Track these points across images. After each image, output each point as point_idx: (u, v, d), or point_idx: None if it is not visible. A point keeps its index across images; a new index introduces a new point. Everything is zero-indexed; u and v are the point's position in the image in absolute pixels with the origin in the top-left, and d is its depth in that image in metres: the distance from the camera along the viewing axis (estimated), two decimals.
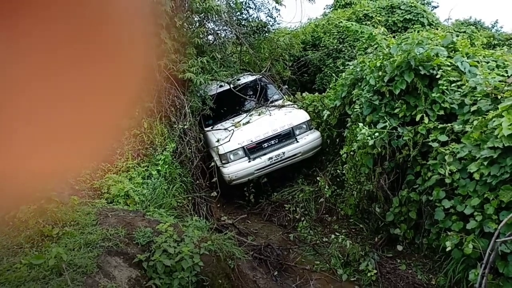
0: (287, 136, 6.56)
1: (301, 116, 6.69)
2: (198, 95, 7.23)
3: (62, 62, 0.52)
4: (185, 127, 6.28)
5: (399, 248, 4.57)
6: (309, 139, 6.58)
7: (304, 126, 6.64)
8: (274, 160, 6.46)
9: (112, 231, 3.22)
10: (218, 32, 8.28)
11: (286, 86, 8.68)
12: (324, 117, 6.19)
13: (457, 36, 8.88)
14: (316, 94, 7.40)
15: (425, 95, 4.29)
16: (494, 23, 12.46)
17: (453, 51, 4.68)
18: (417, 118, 4.23)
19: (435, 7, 13.48)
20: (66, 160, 0.62)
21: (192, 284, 3.22)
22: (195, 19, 7.81)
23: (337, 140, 6.28)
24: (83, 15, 0.52)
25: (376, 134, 4.21)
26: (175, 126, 6.29)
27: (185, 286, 3.17)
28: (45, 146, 0.55)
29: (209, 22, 7.98)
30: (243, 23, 9.30)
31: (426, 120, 4.17)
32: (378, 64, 4.78)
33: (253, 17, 9.30)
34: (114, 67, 0.62)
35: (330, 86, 6.48)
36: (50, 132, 0.55)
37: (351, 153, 5.07)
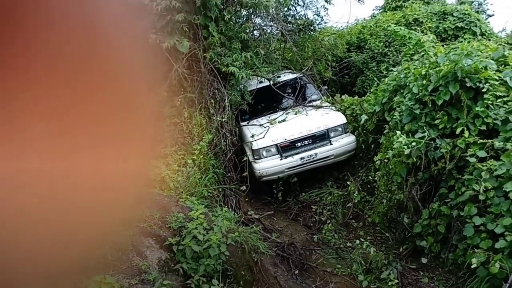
0: (322, 137, 6.60)
1: (338, 118, 6.70)
2: (238, 89, 7.40)
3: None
4: (223, 120, 6.49)
5: (424, 260, 4.54)
6: (343, 142, 6.58)
7: (340, 129, 6.65)
8: (306, 160, 6.53)
9: (147, 213, 3.46)
10: (264, 27, 8.42)
11: (326, 87, 8.69)
12: (362, 122, 6.19)
13: (510, 49, 8.52)
14: (356, 97, 7.38)
15: (468, 108, 4.22)
16: None
17: (503, 65, 4.56)
18: (457, 131, 4.18)
19: (490, 16, 12.89)
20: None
21: (217, 272, 3.40)
22: (243, 13, 8.00)
23: (372, 146, 6.26)
24: None
25: (413, 143, 4.20)
26: (213, 118, 6.51)
27: (209, 273, 3.36)
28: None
29: (256, 17, 8.14)
30: (289, 20, 9.38)
31: (466, 133, 4.11)
32: (423, 72, 4.74)
33: (300, 14, 9.35)
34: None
35: (371, 90, 6.46)
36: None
37: (385, 160, 5.06)
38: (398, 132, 4.34)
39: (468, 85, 4.21)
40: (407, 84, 4.90)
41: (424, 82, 4.52)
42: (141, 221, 3.29)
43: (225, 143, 6.53)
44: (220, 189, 5.98)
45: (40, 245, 0.54)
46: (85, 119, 0.52)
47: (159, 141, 5.58)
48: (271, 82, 7.74)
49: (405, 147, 4.16)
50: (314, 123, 6.70)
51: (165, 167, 5.37)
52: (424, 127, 4.33)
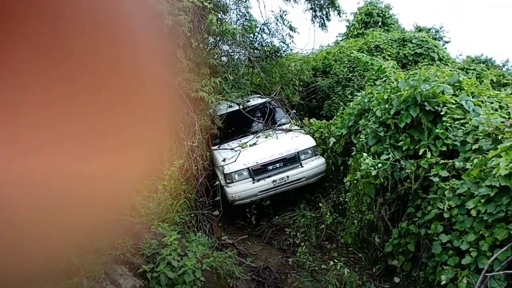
0: (292, 160, 6.77)
1: (307, 141, 6.92)
2: (208, 114, 7.51)
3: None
4: (194, 144, 6.53)
5: (396, 280, 4.69)
6: (313, 165, 6.78)
7: (310, 151, 6.85)
8: (278, 183, 6.66)
9: (119, 240, 3.41)
10: (232, 54, 8.66)
11: (294, 111, 8.96)
12: (330, 144, 6.42)
13: (467, 72, 9.17)
14: (324, 121, 7.65)
15: (429, 130, 4.51)
16: (505, 62, 12.79)
17: (458, 90, 4.93)
18: (420, 152, 4.43)
19: (447, 42, 13.89)
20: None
21: None
22: (211, 40, 8.21)
23: (342, 168, 6.49)
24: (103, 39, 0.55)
25: (380, 165, 4.42)
26: (184, 142, 6.53)
27: None
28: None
29: (223, 44, 8.38)
30: (256, 47, 9.70)
31: (428, 154, 4.37)
32: (385, 97, 5.03)
33: (267, 41, 9.69)
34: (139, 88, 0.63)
35: (338, 114, 6.75)
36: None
37: (354, 181, 5.26)
38: (365, 154, 4.55)
39: (427, 108, 4.52)
40: (371, 108, 5.18)
41: (387, 106, 4.81)
42: (113, 248, 3.24)
43: (196, 167, 6.55)
44: (192, 215, 5.98)
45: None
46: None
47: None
48: (241, 107, 7.92)
49: (372, 168, 4.37)
50: (284, 146, 6.88)
51: (135, 194, 5.32)
52: (389, 149, 4.57)
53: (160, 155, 6.07)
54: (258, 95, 8.93)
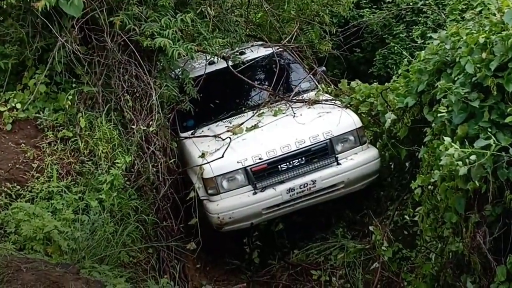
0: (322, 153, 6.84)
1: (347, 120, 6.97)
2: (173, 76, 7.54)
3: None
4: (150, 130, 6.56)
5: None
6: (358, 161, 6.85)
7: (352, 137, 6.92)
8: (298, 193, 6.71)
9: None
10: None
11: (324, 68, 9.01)
12: (387, 125, 6.42)
13: None
14: (375, 84, 7.66)
15: None
16: None
17: None
18: None
19: None
20: None
21: None
22: None
23: (407, 164, 6.51)
24: None
25: (473, 157, 4.43)
26: (132, 127, 6.59)
27: None
28: None
29: None
30: None
31: None
32: (481, 40, 5.03)
33: None
34: None
35: (399, 71, 6.75)
36: None
37: (430, 187, 5.29)
38: (447, 139, 4.56)
39: None
40: (457, 59, 5.17)
41: (484, 55, 4.78)
42: None
43: (154, 169, 6.62)
44: (151, 250, 6.03)
45: None
46: None
47: (36, 171, 5.50)
48: (230, 63, 7.93)
49: (460, 163, 4.38)
50: (307, 129, 6.95)
51: (51, 216, 5.39)
52: (489, 130, 4.57)
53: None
54: (260, 43, 8.97)
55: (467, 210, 4.85)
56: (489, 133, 4.57)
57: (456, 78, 5.16)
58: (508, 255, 4.70)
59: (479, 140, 4.58)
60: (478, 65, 4.90)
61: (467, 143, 4.70)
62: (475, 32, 5.37)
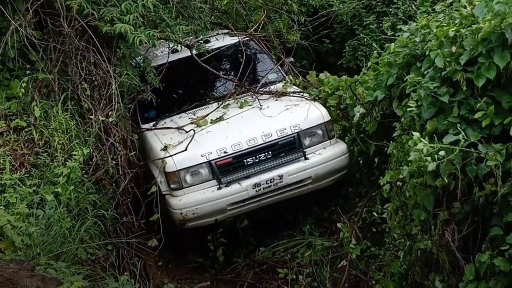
0: (289, 147, 6.92)
1: (315, 114, 7.06)
2: (134, 64, 7.52)
3: None
4: (109, 120, 6.56)
5: None
6: (327, 156, 6.94)
7: (320, 131, 7.02)
8: (264, 188, 6.79)
9: None
10: None
11: (292, 59, 9.05)
12: (356, 119, 6.51)
13: None
14: (344, 76, 7.72)
15: None
16: None
17: None
18: None
19: None
20: None
21: None
22: None
23: (376, 159, 6.63)
24: None
25: (442, 152, 4.54)
26: (90, 117, 6.58)
27: None
28: None
29: None
30: None
31: None
32: (451, 34, 5.14)
33: None
34: None
35: (368, 64, 6.84)
36: None
37: (398, 183, 5.40)
38: (416, 134, 4.66)
39: None
40: (427, 53, 5.28)
41: (454, 49, 4.89)
42: None
43: (114, 162, 6.63)
44: (110, 246, 6.05)
45: None
46: None
47: None
48: (194, 52, 7.95)
49: (429, 158, 4.49)
50: (274, 122, 7.02)
51: (3, 210, 5.36)
52: (458, 125, 4.69)
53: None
54: (226, 31, 9.01)
55: (435, 207, 4.96)
56: (458, 129, 4.68)
57: (425, 72, 5.26)
58: (476, 253, 4.83)
59: (448, 136, 4.68)
60: (447, 59, 5.00)
61: (436, 138, 4.80)
62: (445, 25, 5.48)
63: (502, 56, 4.68)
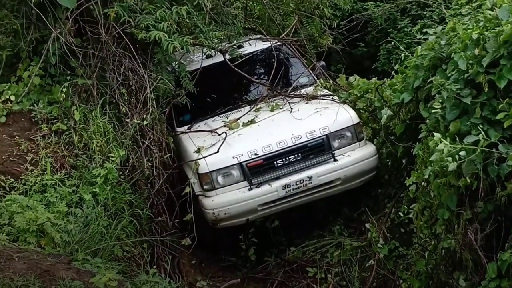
0: (319, 149, 7.02)
1: (344, 116, 7.14)
2: (170, 70, 7.71)
3: None
4: (145, 123, 6.76)
5: None
6: (356, 157, 7.02)
7: (349, 133, 7.10)
8: (294, 189, 6.90)
9: (19, 282, 3.66)
10: None
11: (323, 63, 9.12)
12: (383, 121, 6.58)
13: None
14: (373, 79, 7.75)
15: None
16: None
17: None
18: None
19: None
20: None
21: None
22: None
23: (404, 161, 6.67)
24: None
25: (462, 153, 4.60)
26: (127, 120, 6.78)
27: None
28: None
29: None
30: None
31: None
32: (474, 36, 5.19)
33: None
34: None
35: (397, 67, 6.87)
36: None
37: (423, 184, 5.47)
38: (437, 135, 4.72)
39: None
40: (452, 55, 5.35)
41: (477, 51, 4.94)
42: None
43: (149, 164, 6.80)
44: (144, 245, 6.22)
45: None
46: None
47: (30, 163, 5.68)
48: (228, 57, 8.10)
49: (450, 159, 4.56)
50: (304, 125, 7.12)
51: (44, 209, 5.58)
52: (481, 126, 4.74)
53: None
54: (259, 36, 9.11)
55: (459, 206, 5.02)
56: (480, 129, 4.73)
57: (450, 74, 5.31)
58: (499, 252, 4.88)
59: (469, 136, 4.74)
60: (470, 61, 5.05)
61: (458, 139, 4.86)
62: (471, 28, 5.53)
63: None
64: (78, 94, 6.89)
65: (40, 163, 6.17)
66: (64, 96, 6.66)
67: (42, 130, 6.56)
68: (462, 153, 4.59)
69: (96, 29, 6.80)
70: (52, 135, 6.55)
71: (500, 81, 4.78)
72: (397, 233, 6.64)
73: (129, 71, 7.01)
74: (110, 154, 6.39)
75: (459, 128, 4.96)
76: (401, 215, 6.50)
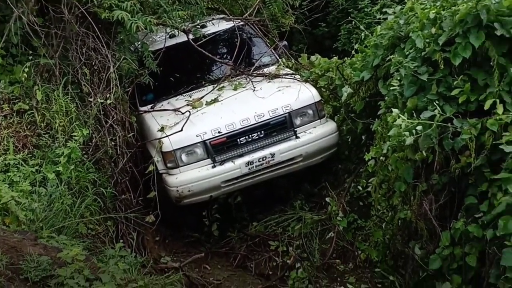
0: (281, 127, 7.11)
1: (306, 94, 7.23)
2: (133, 49, 7.68)
3: None
4: (108, 103, 6.75)
5: None
6: (317, 134, 7.13)
7: (311, 111, 7.20)
8: (257, 166, 7.00)
9: None
10: None
11: (285, 43, 9.20)
12: (343, 98, 6.67)
13: None
14: (334, 58, 7.86)
15: (502, 69, 4.82)
16: None
17: None
18: (486, 106, 4.68)
19: None
20: None
21: None
22: None
23: (364, 137, 6.84)
24: None
25: (419, 127, 4.74)
26: (90, 100, 6.76)
27: None
28: None
29: None
30: None
31: (500, 109, 4.67)
32: (431, 16, 5.32)
33: None
34: None
35: (357, 47, 6.98)
36: None
37: (382, 158, 5.62)
38: (395, 111, 4.85)
39: (499, 33, 4.79)
40: (409, 34, 5.49)
41: (434, 30, 5.06)
42: None
43: (113, 143, 6.82)
44: (109, 222, 6.25)
45: None
46: None
47: None
48: (191, 36, 8.12)
49: (407, 133, 4.70)
50: (266, 103, 7.21)
51: (8, 188, 5.55)
52: (436, 102, 4.89)
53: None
54: (222, 16, 9.12)
55: (415, 179, 5.19)
56: (436, 105, 4.88)
57: (408, 53, 5.45)
58: (452, 221, 5.07)
59: (425, 112, 4.89)
60: (427, 40, 5.18)
61: (415, 115, 5.01)
62: (428, 7, 5.65)
63: (478, 36, 4.85)
64: (40, 73, 6.79)
65: (2, 143, 6.09)
66: (26, 76, 6.54)
67: (4, 110, 6.44)
68: (419, 127, 4.74)
69: (59, 9, 6.69)
70: (14, 115, 6.44)
71: (455, 59, 4.92)
72: (356, 206, 6.83)
73: (92, 51, 6.96)
74: (73, 134, 6.33)
75: (416, 104, 5.10)
76: (360, 189, 6.70)
